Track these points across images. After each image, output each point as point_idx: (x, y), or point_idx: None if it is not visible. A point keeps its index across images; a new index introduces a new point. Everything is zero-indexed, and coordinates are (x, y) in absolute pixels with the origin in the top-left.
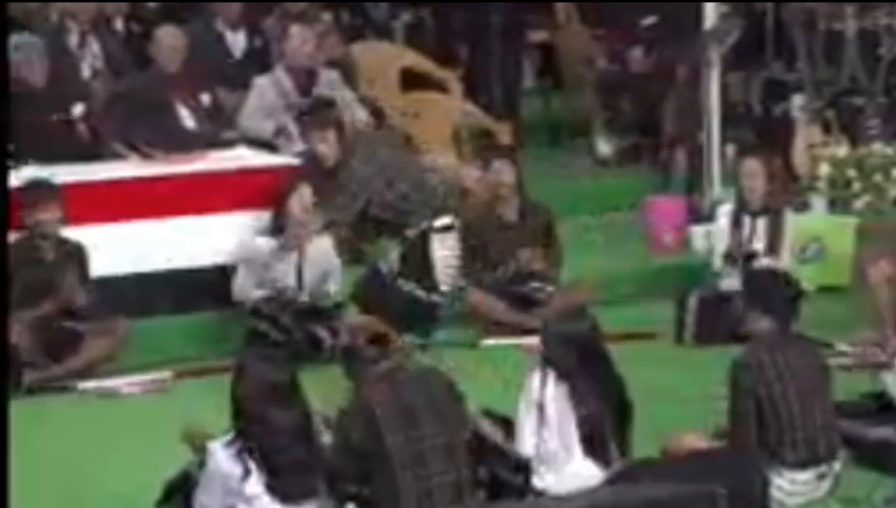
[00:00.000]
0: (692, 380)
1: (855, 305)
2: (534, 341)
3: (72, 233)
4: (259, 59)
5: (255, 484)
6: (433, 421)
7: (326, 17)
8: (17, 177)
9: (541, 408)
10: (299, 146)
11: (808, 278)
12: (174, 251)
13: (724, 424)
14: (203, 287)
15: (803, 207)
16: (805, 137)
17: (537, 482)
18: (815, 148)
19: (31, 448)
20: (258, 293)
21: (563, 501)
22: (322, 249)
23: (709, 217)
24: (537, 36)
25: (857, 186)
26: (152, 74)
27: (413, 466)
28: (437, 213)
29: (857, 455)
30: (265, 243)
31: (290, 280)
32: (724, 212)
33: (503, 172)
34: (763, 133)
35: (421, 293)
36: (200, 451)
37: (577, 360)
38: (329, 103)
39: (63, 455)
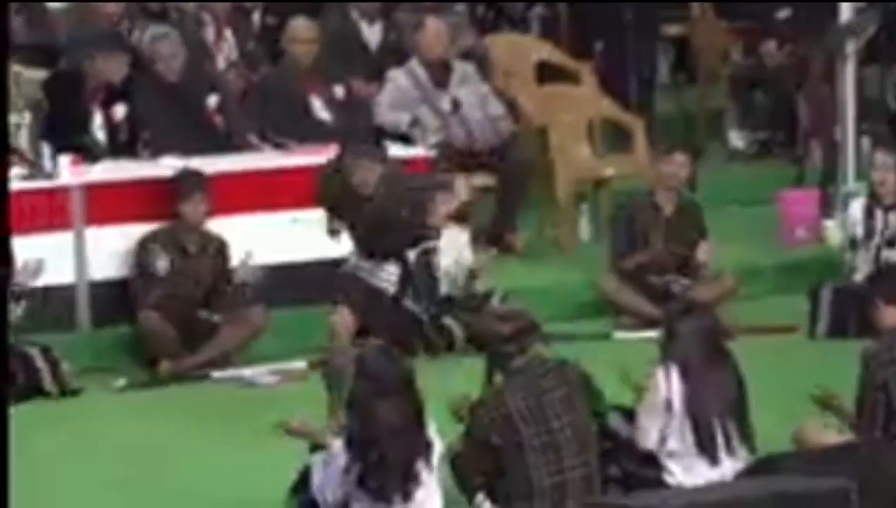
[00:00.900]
0: (826, 374)
1: None
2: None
3: (209, 224)
4: (395, 52)
5: (354, 475)
6: (568, 415)
7: (460, 9)
8: (157, 168)
9: (668, 404)
10: (434, 138)
11: None
12: (307, 243)
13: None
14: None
15: None
16: None
17: (669, 479)
18: None
19: (164, 436)
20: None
21: (695, 492)
22: (456, 239)
23: (842, 211)
24: (672, 30)
25: None
26: (286, 66)
27: (546, 459)
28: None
29: None
30: None
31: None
32: (857, 205)
33: (683, 165)
34: None
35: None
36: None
37: (697, 355)
38: None
39: (197, 444)
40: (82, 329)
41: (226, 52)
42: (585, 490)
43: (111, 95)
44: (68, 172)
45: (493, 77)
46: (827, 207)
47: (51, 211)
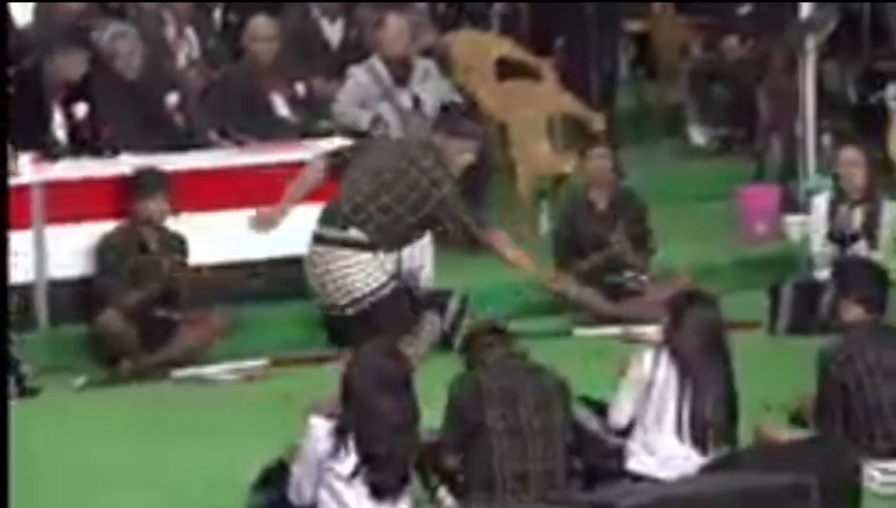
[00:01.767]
0: (787, 371)
1: None
2: (630, 330)
3: (168, 222)
4: (355, 49)
5: (347, 465)
6: (536, 410)
7: (421, 6)
8: (116, 166)
9: (649, 386)
10: (395, 135)
11: None
12: (269, 240)
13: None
14: (299, 276)
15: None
16: None
17: (633, 465)
18: None
19: (125, 435)
20: None
21: (656, 488)
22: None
23: (803, 207)
24: (632, 26)
25: None
26: (247, 64)
27: (510, 446)
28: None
29: None
30: None
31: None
32: (821, 200)
33: (601, 159)
34: (858, 122)
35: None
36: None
37: (701, 345)
38: None
39: (158, 442)
40: (41, 328)
41: (186, 49)
42: (548, 483)
43: (72, 94)
44: (29, 170)
45: (453, 74)
46: (787, 202)
47: (11, 209)
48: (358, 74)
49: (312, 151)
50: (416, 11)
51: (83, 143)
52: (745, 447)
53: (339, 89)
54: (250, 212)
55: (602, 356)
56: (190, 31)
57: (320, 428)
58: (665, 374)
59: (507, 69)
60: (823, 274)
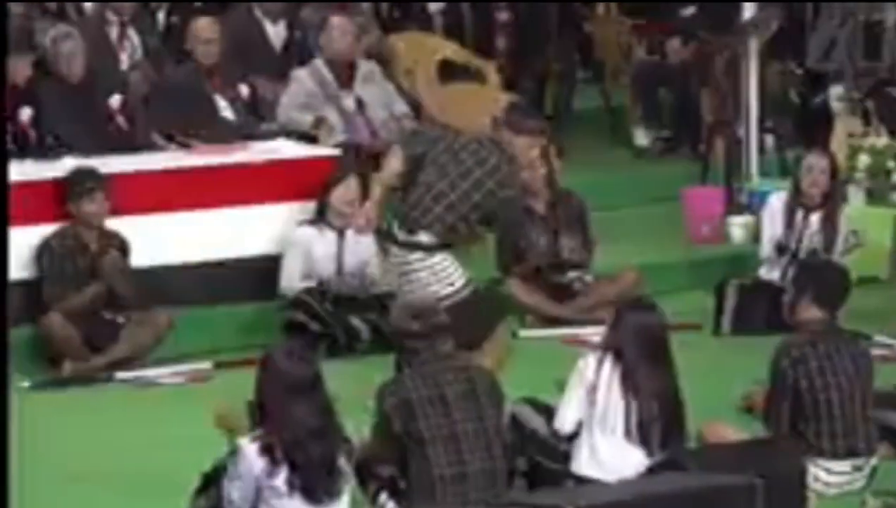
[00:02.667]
0: (731, 370)
1: (892, 296)
2: (574, 331)
3: (111, 224)
4: (299, 51)
5: (280, 479)
6: (469, 411)
7: (365, 7)
8: (59, 168)
9: (593, 390)
10: (339, 138)
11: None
12: (213, 242)
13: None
14: (243, 278)
15: (842, 198)
16: (844, 127)
17: (576, 468)
18: (854, 138)
19: (68, 437)
20: (304, 284)
21: (601, 490)
22: (360, 238)
23: (747, 208)
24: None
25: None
26: (190, 65)
27: (446, 450)
28: None
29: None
30: (306, 233)
31: (331, 270)
32: (778, 202)
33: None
34: (801, 124)
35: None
36: (233, 435)
37: (643, 349)
38: None
39: (100, 445)
40: None
41: (129, 51)
42: (489, 483)
43: (17, 98)
44: None
45: (396, 76)
46: (731, 203)
47: None
48: (301, 76)
49: (256, 152)
50: (359, 13)
51: (26, 146)
52: (692, 447)
53: (282, 91)
54: (194, 213)
55: (546, 357)
56: (133, 33)
57: (250, 449)
58: (609, 377)
59: (451, 71)
60: (771, 274)
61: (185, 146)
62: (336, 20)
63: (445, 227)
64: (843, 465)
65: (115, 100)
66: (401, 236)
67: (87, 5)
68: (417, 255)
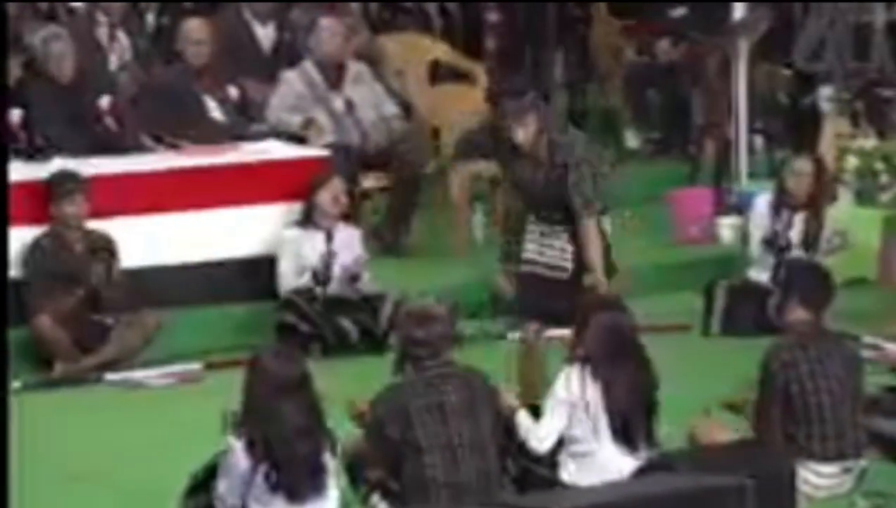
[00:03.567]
0: (719, 371)
1: (880, 298)
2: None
3: (100, 225)
4: (288, 53)
5: (265, 477)
6: (465, 419)
7: (354, 8)
8: (46, 169)
9: (580, 405)
10: (328, 139)
11: (833, 271)
12: (202, 244)
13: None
14: (232, 279)
15: (830, 198)
16: (832, 128)
17: (565, 476)
18: (842, 140)
19: (58, 439)
20: (300, 284)
21: (593, 492)
22: (350, 239)
23: (736, 209)
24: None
25: (884, 178)
26: (180, 66)
27: (442, 458)
28: None
29: (885, 451)
30: (294, 235)
31: (319, 270)
32: (763, 203)
33: None
34: (790, 125)
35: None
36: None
37: (611, 350)
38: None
39: (91, 446)
40: None
41: (119, 52)
42: (482, 489)
43: (6, 99)
44: None
45: (386, 77)
46: (720, 204)
47: None
48: (291, 78)
49: (246, 154)
50: (348, 14)
51: (15, 147)
52: (681, 449)
53: (271, 92)
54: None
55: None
56: (122, 34)
57: (238, 446)
58: (591, 382)
59: (441, 72)
60: (760, 275)
61: (174, 147)
62: (325, 21)
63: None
64: (833, 468)
65: (105, 101)
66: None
67: (77, 5)
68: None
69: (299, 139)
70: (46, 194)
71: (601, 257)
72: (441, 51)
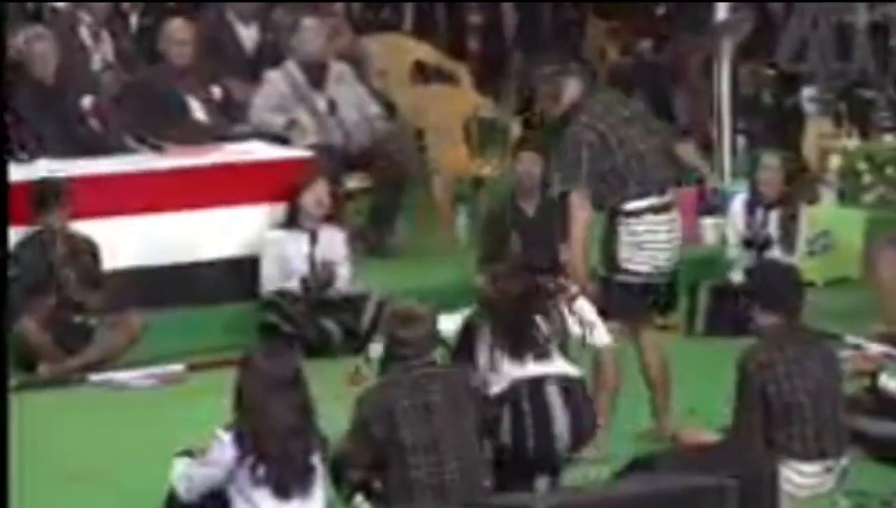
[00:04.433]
0: (703, 371)
1: (863, 297)
2: None
3: (82, 226)
4: (271, 53)
5: (253, 472)
6: (450, 418)
7: (338, 9)
8: (31, 171)
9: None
10: (311, 139)
11: (816, 271)
12: (186, 244)
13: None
14: (215, 280)
15: (813, 198)
16: (816, 128)
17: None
18: (825, 140)
19: (42, 440)
20: (283, 285)
21: (572, 491)
22: (332, 240)
23: (719, 209)
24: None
25: (867, 178)
26: (162, 67)
27: (426, 460)
28: None
29: (865, 450)
30: (278, 236)
31: (304, 271)
32: (739, 202)
33: (534, 163)
34: (774, 125)
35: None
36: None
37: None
38: None
39: (74, 447)
40: None
41: (102, 52)
42: (465, 489)
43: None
44: None
45: (369, 77)
46: (703, 204)
47: None
48: (274, 78)
49: (230, 154)
50: (331, 14)
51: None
52: (664, 449)
53: (254, 93)
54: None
55: None
56: (105, 34)
57: (226, 436)
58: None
59: (423, 73)
60: (739, 277)
61: (157, 148)
62: (308, 22)
63: None
64: (815, 467)
65: (88, 101)
66: None
67: (61, 6)
68: None
69: (283, 140)
70: (30, 197)
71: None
72: (424, 51)
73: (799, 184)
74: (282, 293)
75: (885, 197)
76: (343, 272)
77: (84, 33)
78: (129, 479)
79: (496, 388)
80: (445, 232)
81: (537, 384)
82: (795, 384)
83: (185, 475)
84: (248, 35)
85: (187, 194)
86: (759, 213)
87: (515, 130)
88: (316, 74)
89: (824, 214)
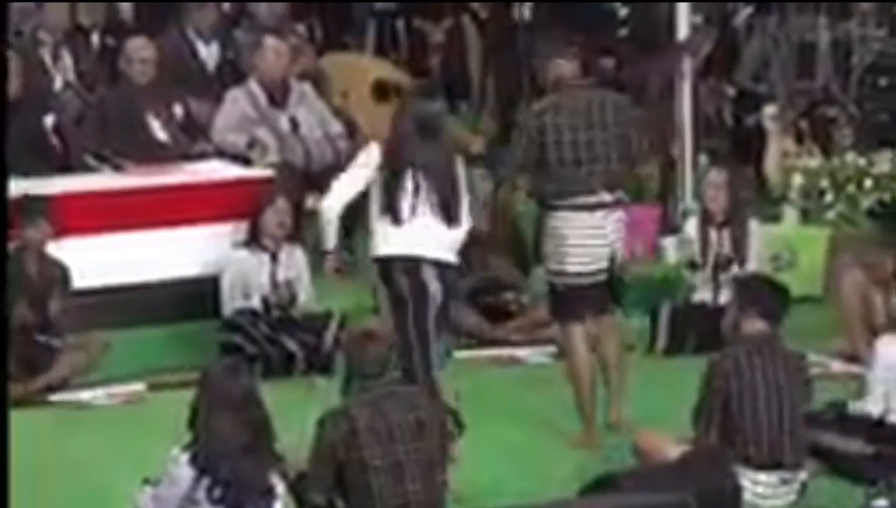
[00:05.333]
0: (664, 390)
1: (826, 316)
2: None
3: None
4: (233, 72)
5: (207, 492)
6: (413, 441)
7: (300, 28)
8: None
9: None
10: (273, 158)
11: None
12: (146, 264)
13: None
14: (176, 300)
15: (775, 217)
16: (778, 147)
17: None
18: (787, 158)
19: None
20: (245, 305)
21: None
22: (294, 259)
23: (680, 228)
24: None
25: (829, 196)
26: (123, 86)
27: (390, 481)
28: None
29: (827, 466)
30: (239, 256)
31: (265, 290)
32: (692, 223)
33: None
34: (735, 144)
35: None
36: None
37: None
38: None
39: (35, 467)
40: None
41: (63, 71)
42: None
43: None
44: None
45: (330, 96)
46: (664, 223)
47: None
48: (235, 97)
49: (191, 173)
50: (293, 34)
51: None
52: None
53: (216, 112)
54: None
55: (479, 378)
56: (66, 53)
57: (182, 457)
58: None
59: (385, 92)
60: (703, 295)
61: (118, 167)
62: (270, 41)
63: None
64: (771, 477)
65: (49, 120)
66: None
67: (24, 25)
68: None
69: (244, 159)
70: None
71: None
72: (385, 70)
73: (758, 201)
74: (243, 313)
75: (848, 215)
76: (305, 291)
77: (45, 53)
78: (89, 498)
79: None
80: None
81: None
82: (757, 391)
83: (154, 496)
84: (210, 54)
85: (148, 214)
86: (712, 232)
87: (476, 147)
88: (277, 93)
89: (787, 232)
